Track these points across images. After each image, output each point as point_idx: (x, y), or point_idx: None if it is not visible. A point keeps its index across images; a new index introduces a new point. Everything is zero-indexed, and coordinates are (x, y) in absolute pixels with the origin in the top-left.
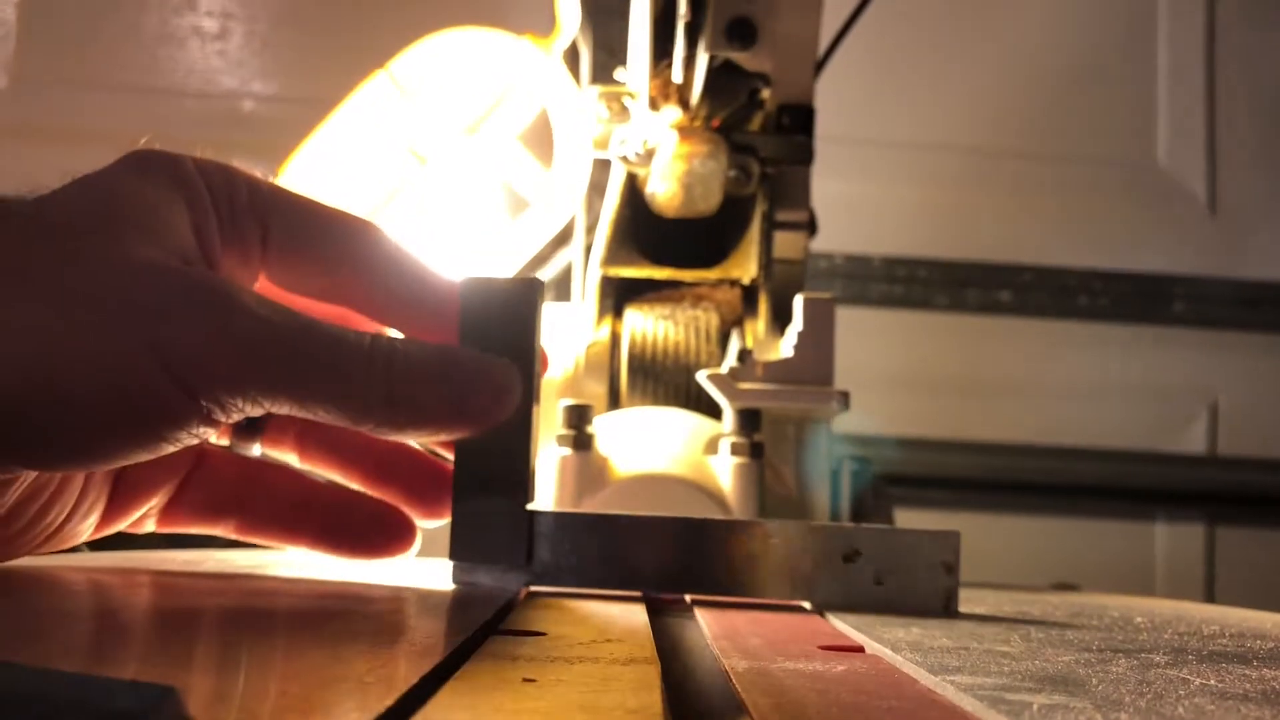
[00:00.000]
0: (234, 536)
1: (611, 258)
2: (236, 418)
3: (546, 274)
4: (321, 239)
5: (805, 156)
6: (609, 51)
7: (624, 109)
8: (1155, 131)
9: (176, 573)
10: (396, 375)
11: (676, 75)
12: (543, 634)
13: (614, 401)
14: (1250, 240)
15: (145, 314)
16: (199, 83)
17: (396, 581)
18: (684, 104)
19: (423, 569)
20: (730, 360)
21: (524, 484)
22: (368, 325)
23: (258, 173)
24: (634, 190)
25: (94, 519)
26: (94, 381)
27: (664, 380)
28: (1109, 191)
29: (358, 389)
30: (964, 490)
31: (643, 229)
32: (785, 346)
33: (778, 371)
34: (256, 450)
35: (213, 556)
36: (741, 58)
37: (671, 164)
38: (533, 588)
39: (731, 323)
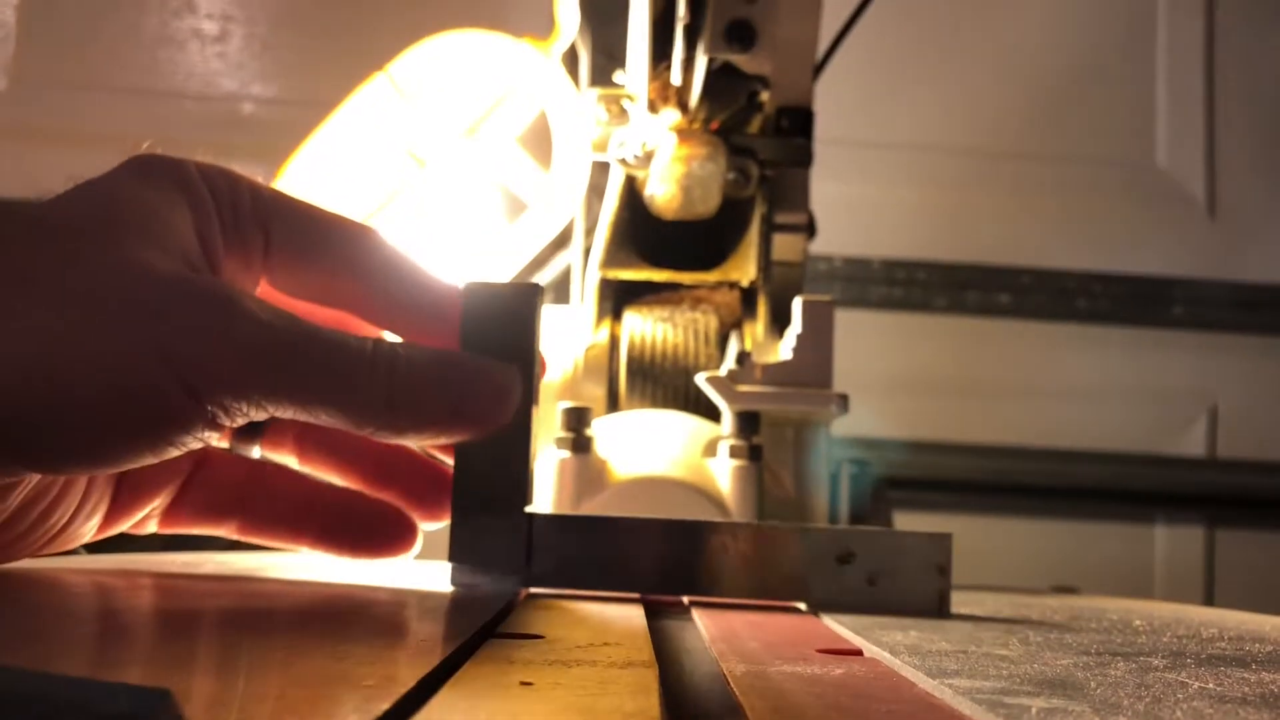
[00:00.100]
0: (236, 537)
1: (610, 260)
2: (240, 421)
3: (545, 276)
4: (322, 244)
5: (804, 159)
6: (608, 54)
7: (623, 111)
8: (1154, 133)
9: (176, 574)
10: (398, 379)
11: (675, 78)
12: (540, 637)
13: (613, 404)
14: (1249, 242)
15: (151, 318)
16: (199, 85)
17: (395, 584)
18: (683, 106)
19: (422, 571)
20: (729, 363)
21: (523, 487)
22: (367, 329)
23: (259, 178)
24: (633, 193)
25: (97, 520)
26: (100, 385)
27: (663, 383)
28: (1108, 193)
29: (360, 393)
30: (963, 492)
31: (641, 231)
32: (784, 349)
33: (777, 374)
34: (256, 452)
35: (212, 559)
36: (740, 60)
37: (670, 166)
38: (531, 590)
39: (730, 325)
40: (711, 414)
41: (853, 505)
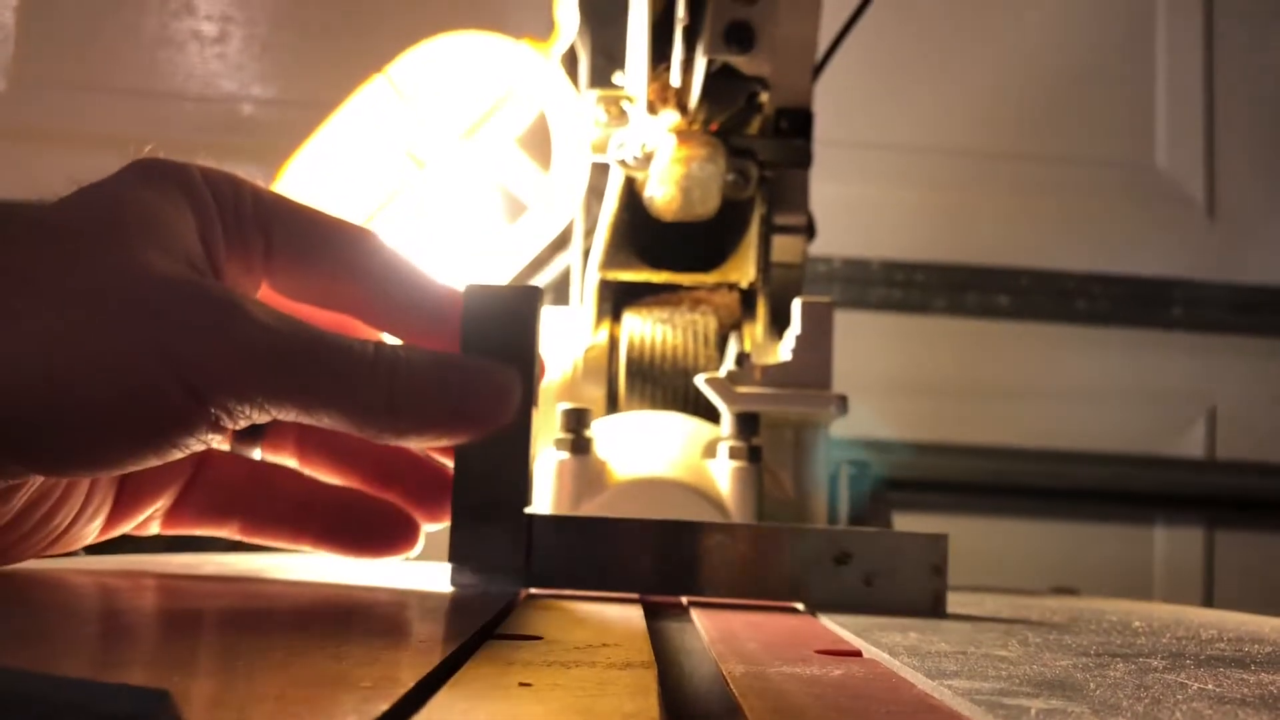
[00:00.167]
0: (238, 538)
1: (609, 261)
2: (243, 424)
3: (544, 277)
4: (323, 247)
5: (803, 160)
6: (607, 55)
7: (622, 113)
8: (1153, 134)
9: (176, 575)
10: (399, 382)
11: (675, 79)
12: (539, 638)
13: (612, 405)
14: (1249, 244)
15: (154, 320)
16: (198, 86)
17: (395, 585)
18: (682, 108)
19: (422, 572)
20: (728, 364)
21: (523, 488)
22: (367, 332)
23: (258, 179)
24: (632, 194)
25: (99, 522)
26: (103, 387)
27: (662, 384)
28: (1107, 194)
29: (362, 396)
30: (962, 494)
31: (641, 233)
32: (783, 350)
33: (776, 375)
34: (257, 454)
35: (211, 560)
36: (740, 61)
37: (670, 168)
38: (531, 590)
39: (730, 326)
40: (711, 415)
41: (852, 506)
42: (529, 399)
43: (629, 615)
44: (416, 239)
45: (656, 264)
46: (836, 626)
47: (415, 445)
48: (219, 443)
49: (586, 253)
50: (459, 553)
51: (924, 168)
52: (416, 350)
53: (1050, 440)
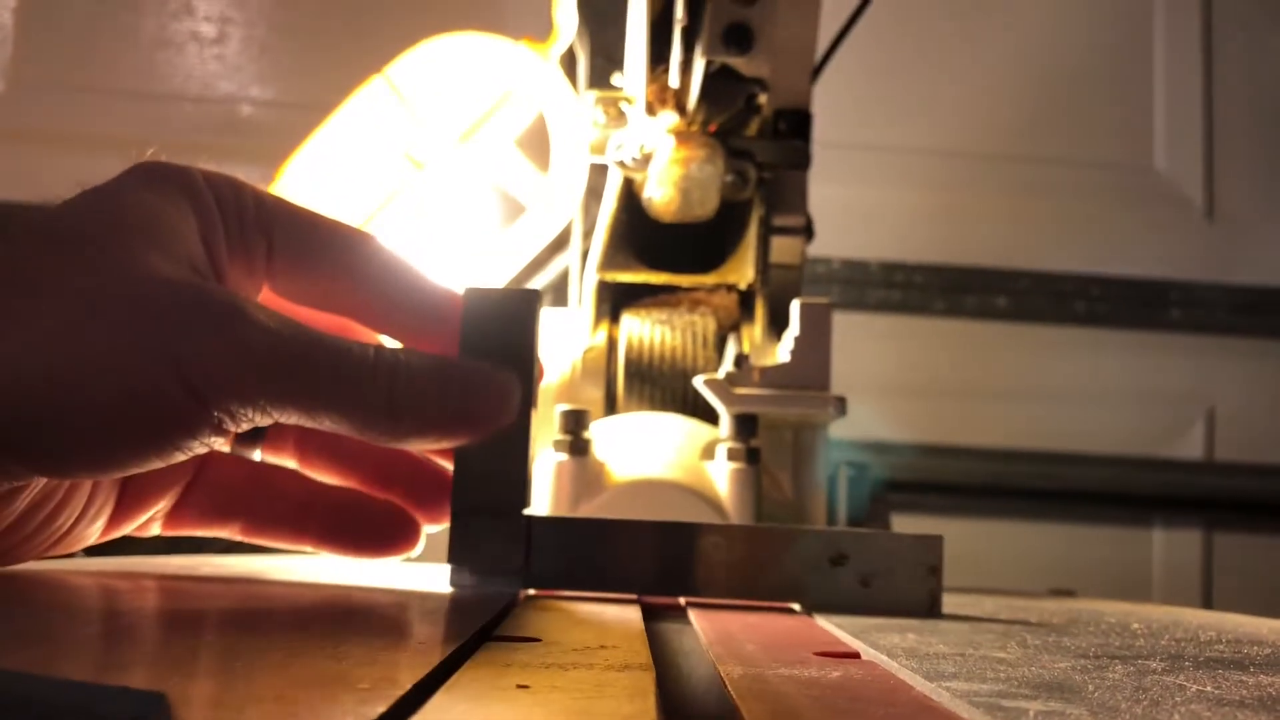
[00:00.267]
0: (239, 538)
1: (608, 263)
2: (245, 427)
3: (543, 279)
4: (323, 251)
5: (802, 161)
6: (606, 56)
7: (621, 114)
8: (1152, 136)
9: (175, 576)
10: (399, 385)
11: (673, 80)
12: (538, 639)
13: (610, 407)
14: (1247, 245)
15: (158, 324)
16: (197, 87)
17: (394, 585)
18: (681, 109)
19: (421, 573)
20: (727, 365)
21: (522, 489)
22: (367, 335)
23: (257, 180)
24: (631, 195)
25: (101, 523)
26: (106, 389)
27: (661, 385)
28: (1106, 196)
29: (362, 399)
30: (961, 495)
31: (639, 234)
32: (782, 352)
33: (775, 377)
34: (258, 456)
35: (211, 561)
36: (738, 63)
37: (668, 169)
38: (530, 591)
39: (728, 328)
40: (709, 417)
41: (851, 508)
42: (528, 401)
43: (627, 616)
44: (415, 240)
45: (655, 265)
46: (834, 628)
47: (415, 447)
48: (220, 445)
49: (585, 254)
50: (458, 554)
51: (923, 169)
52: (416, 353)
53: (1049, 441)
